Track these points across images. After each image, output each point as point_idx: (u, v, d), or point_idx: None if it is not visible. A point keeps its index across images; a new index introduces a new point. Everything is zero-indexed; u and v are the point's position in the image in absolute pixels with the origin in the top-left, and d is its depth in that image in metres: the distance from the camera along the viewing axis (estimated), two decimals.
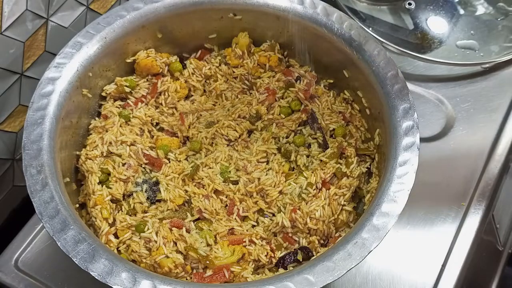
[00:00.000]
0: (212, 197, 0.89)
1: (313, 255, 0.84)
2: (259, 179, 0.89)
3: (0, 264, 0.94)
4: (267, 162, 0.93)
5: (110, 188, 0.88)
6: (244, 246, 0.84)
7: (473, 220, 0.99)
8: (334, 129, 0.96)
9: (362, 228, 0.75)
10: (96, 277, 0.70)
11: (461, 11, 1.25)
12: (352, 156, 0.93)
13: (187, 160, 0.93)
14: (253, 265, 0.84)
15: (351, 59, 0.93)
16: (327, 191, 0.89)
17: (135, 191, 0.89)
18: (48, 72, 0.87)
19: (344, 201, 0.89)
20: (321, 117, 0.96)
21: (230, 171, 0.91)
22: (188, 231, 0.85)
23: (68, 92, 0.87)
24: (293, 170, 0.93)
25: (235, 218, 0.88)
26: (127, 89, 0.97)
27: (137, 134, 0.95)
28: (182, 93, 1.00)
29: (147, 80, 1.00)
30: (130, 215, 0.87)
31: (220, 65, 1.03)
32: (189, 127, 0.96)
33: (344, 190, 0.90)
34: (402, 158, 0.81)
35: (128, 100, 0.98)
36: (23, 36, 0.95)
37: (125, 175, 0.90)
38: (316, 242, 0.87)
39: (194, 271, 0.82)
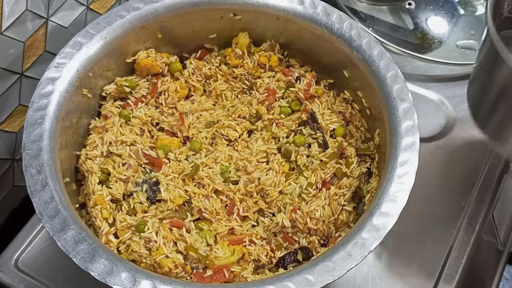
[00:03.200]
0: (212, 197, 0.89)
1: (313, 255, 0.84)
2: (259, 179, 0.89)
3: (0, 264, 0.94)
4: (267, 162, 0.93)
5: (110, 188, 0.88)
6: (244, 246, 0.84)
7: (473, 220, 0.99)
8: (334, 129, 0.96)
9: (362, 228, 0.75)
10: (96, 277, 0.70)
11: (461, 11, 1.25)
12: (352, 156, 0.93)
13: (187, 160, 0.93)
14: (253, 265, 0.84)
15: (351, 59, 0.93)
16: (327, 191, 0.89)
17: (135, 191, 0.89)
18: (48, 72, 0.87)
19: (344, 201, 0.89)
20: (321, 117, 0.96)
21: (230, 171, 0.91)
22: (188, 231, 0.85)
23: (68, 92, 0.87)
24: (293, 170, 0.93)
25: (235, 218, 0.88)
26: (127, 89, 0.97)
27: (137, 134, 0.95)
28: (182, 93, 1.00)
29: (147, 80, 1.00)
30: (130, 215, 0.87)
31: (220, 65, 1.03)
32: (189, 127, 0.96)
33: (344, 190, 0.90)
34: (402, 158, 0.81)
35: (128, 100, 0.98)
36: (23, 36, 0.95)
37: (125, 175, 0.89)
38: (316, 242, 0.87)
39: (194, 271, 0.82)
